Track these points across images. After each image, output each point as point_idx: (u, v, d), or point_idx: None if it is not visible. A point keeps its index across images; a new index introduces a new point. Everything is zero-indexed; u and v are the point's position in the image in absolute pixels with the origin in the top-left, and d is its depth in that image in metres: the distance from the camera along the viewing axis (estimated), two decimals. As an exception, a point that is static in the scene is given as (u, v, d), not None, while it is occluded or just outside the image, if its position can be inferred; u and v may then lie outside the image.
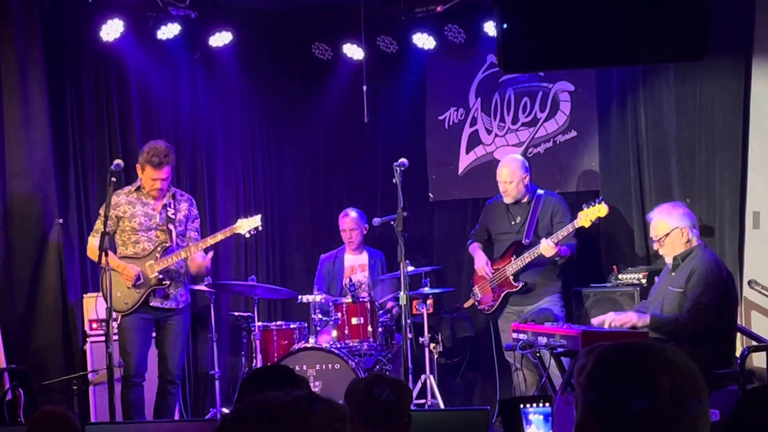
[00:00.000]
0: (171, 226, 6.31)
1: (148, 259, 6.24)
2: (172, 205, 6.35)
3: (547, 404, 2.05)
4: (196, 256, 6.32)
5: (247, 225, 6.30)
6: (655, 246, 5.92)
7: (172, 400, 6.39)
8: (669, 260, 5.84)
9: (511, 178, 6.81)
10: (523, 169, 6.84)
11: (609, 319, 5.74)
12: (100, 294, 6.24)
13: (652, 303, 5.87)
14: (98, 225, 6.29)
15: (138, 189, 6.33)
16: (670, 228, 5.77)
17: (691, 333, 5.48)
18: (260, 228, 6.36)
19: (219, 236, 6.33)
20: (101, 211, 6.21)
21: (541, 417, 2.04)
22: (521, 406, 2.03)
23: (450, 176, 8.14)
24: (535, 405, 2.06)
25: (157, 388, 6.37)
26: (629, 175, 7.22)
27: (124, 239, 6.29)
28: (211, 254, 6.44)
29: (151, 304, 6.23)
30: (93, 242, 6.26)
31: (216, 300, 7.16)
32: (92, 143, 7.29)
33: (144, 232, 6.28)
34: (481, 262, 6.91)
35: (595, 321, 5.89)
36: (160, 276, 6.20)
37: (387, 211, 6.58)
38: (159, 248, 6.25)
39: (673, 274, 5.79)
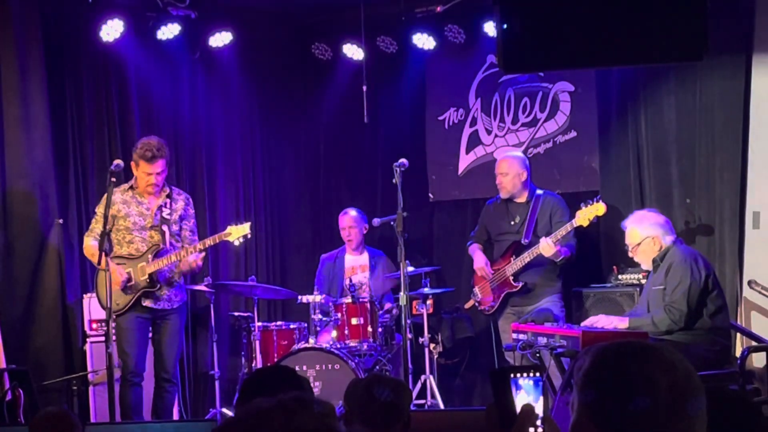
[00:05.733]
0: (165, 227, 6.30)
1: (141, 261, 6.24)
2: (167, 205, 6.33)
3: (538, 374, 2.05)
4: (188, 257, 6.32)
5: (237, 232, 6.26)
6: (630, 254, 5.96)
7: (169, 398, 6.39)
8: (646, 266, 5.90)
9: (507, 170, 6.79)
10: (521, 165, 6.81)
11: (601, 323, 5.78)
12: (94, 294, 6.29)
13: (641, 306, 5.92)
14: (93, 224, 6.33)
15: (132, 188, 6.31)
16: (641, 238, 5.79)
17: (670, 327, 5.51)
18: (249, 236, 6.34)
19: (208, 242, 6.32)
20: (98, 210, 6.22)
21: (531, 383, 2.04)
22: (511, 375, 2.03)
23: (450, 176, 8.13)
24: (525, 375, 2.05)
25: (153, 387, 6.38)
26: (629, 175, 7.22)
27: (119, 239, 6.29)
28: (203, 254, 6.42)
29: (143, 305, 6.24)
30: (88, 242, 6.28)
31: (216, 300, 7.15)
32: (92, 143, 7.29)
33: (138, 232, 6.27)
34: (480, 262, 6.89)
35: (586, 323, 5.92)
36: (149, 279, 6.18)
37: (387, 212, 6.58)
38: (151, 250, 6.25)
39: (654, 274, 5.82)
